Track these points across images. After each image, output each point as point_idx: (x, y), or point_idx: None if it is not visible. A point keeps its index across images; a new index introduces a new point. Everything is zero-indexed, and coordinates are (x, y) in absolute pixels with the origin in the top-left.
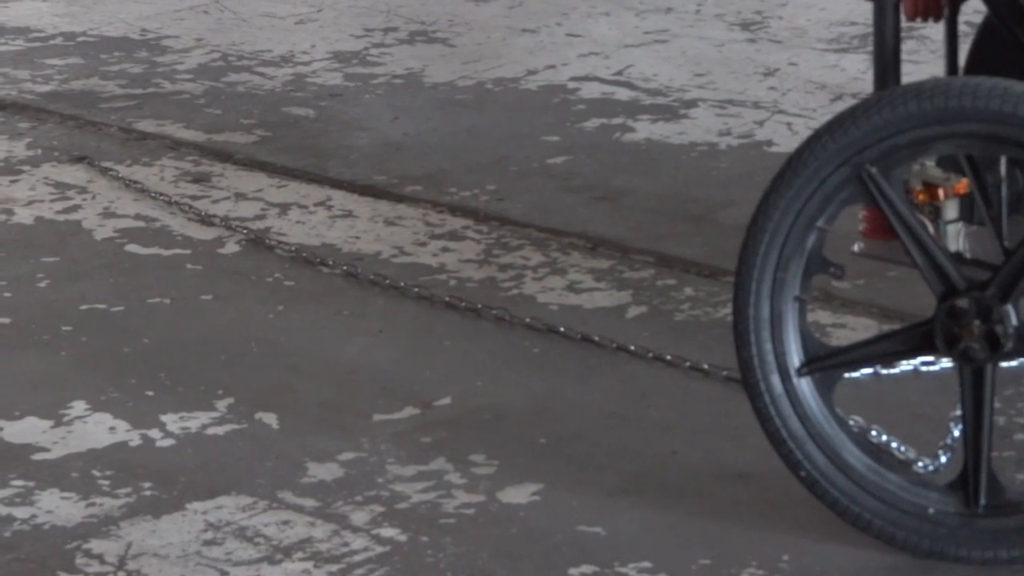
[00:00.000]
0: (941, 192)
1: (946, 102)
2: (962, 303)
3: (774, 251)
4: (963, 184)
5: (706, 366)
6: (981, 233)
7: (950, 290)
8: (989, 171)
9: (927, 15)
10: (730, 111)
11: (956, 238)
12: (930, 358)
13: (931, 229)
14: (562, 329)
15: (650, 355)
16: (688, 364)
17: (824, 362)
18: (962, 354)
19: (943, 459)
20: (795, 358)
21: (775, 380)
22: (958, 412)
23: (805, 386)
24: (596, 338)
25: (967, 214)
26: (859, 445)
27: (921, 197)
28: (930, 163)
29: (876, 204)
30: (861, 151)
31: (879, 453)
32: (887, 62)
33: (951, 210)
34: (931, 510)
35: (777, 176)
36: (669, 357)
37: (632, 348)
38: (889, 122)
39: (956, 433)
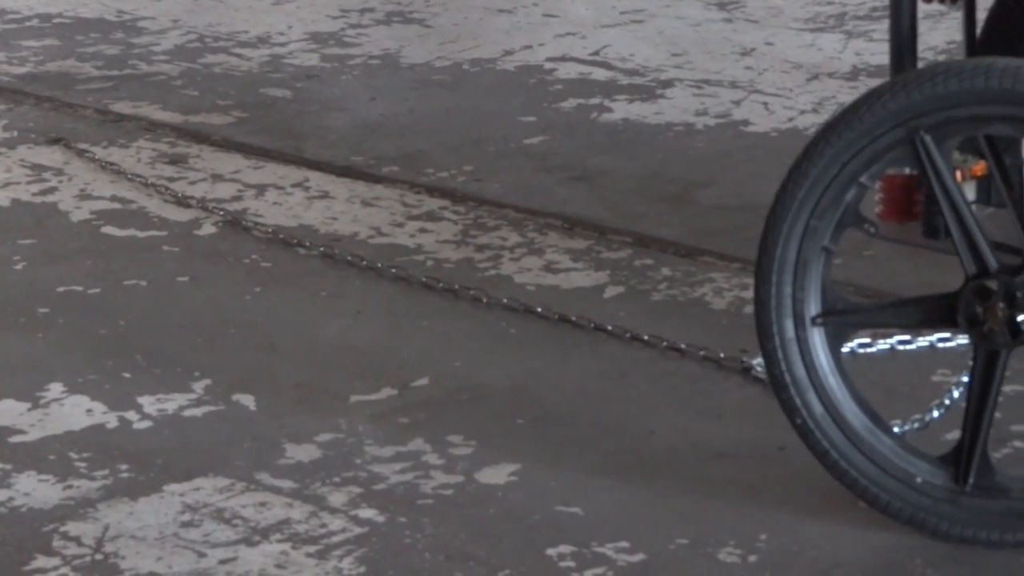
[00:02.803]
0: (959, 174)
1: (1014, 84)
2: (991, 284)
3: (812, 198)
4: (981, 166)
5: (684, 346)
6: (999, 215)
7: (982, 270)
8: (1007, 152)
9: None
10: (707, 91)
11: None
12: (946, 334)
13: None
14: (539, 309)
15: (628, 335)
16: (666, 344)
17: (840, 316)
18: (982, 335)
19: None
20: (813, 307)
21: (788, 325)
22: (963, 379)
23: (817, 336)
24: (574, 318)
25: (984, 196)
26: (859, 403)
27: None
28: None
29: (922, 171)
30: (919, 116)
31: (877, 415)
32: (903, 44)
33: (969, 192)
34: (919, 479)
35: (829, 125)
36: (647, 337)
37: (610, 328)
38: (953, 94)
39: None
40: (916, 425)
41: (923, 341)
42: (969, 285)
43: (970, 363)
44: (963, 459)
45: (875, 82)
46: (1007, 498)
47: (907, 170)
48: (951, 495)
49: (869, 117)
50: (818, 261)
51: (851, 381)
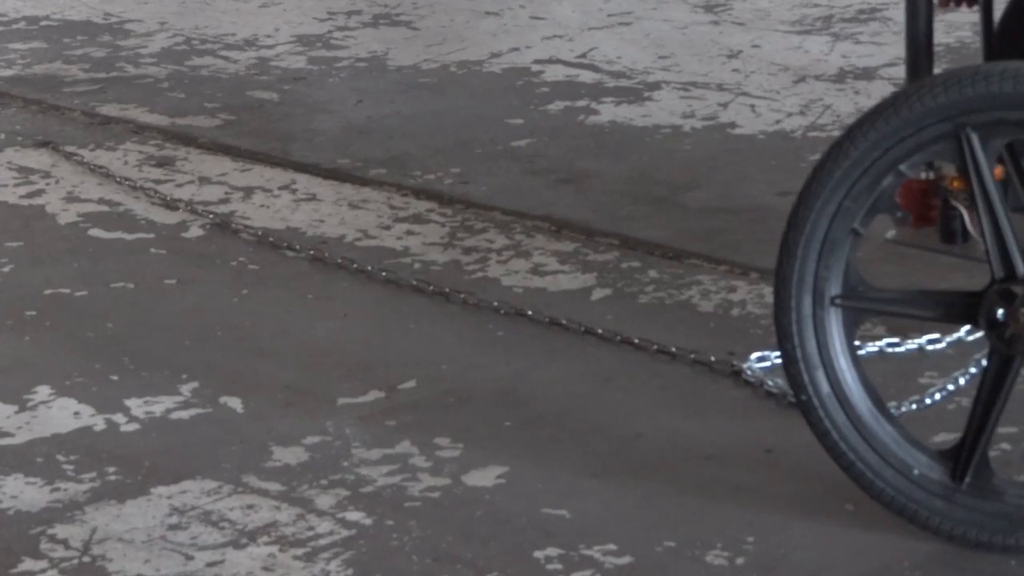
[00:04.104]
0: None
1: None
2: (1016, 289)
3: (849, 179)
4: (999, 171)
5: (672, 348)
6: (1017, 220)
7: (1009, 273)
8: None
9: (959, 2)
10: (694, 93)
11: None
12: (935, 335)
13: (967, 216)
14: (528, 312)
15: (617, 338)
16: (655, 347)
17: (861, 300)
18: (1000, 338)
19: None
20: (834, 287)
21: (807, 301)
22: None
23: (834, 316)
24: (561, 321)
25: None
26: (866, 388)
27: (956, 184)
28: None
29: (963, 168)
30: (968, 113)
31: (883, 403)
32: (919, 49)
33: None
34: (916, 471)
35: (876, 109)
36: (635, 340)
37: (598, 331)
38: (1006, 95)
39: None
40: (914, 407)
41: (912, 344)
42: (994, 287)
43: (978, 357)
44: (963, 457)
45: (862, 84)
46: (1001, 501)
47: (924, 175)
48: (946, 491)
49: (918, 107)
50: (845, 242)
51: (861, 365)
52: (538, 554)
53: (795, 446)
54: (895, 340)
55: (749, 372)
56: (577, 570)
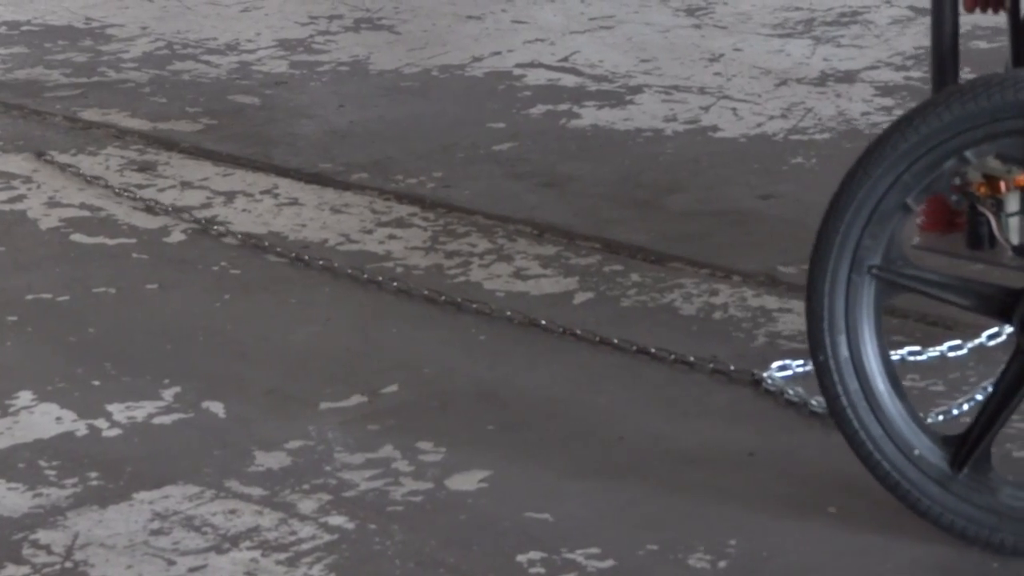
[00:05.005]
0: (1003, 184)
1: None
2: None
3: (915, 153)
4: (1021, 178)
5: (653, 350)
6: None
7: None
8: None
9: (986, 6)
10: (676, 97)
11: (1018, 231)
12: (956, 341)
13: (993, 222)
14: (508, 313)
15: (597, 339)
16: (635, 348)
17: (899, 274)
18: None
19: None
20: (875, 256)
21: (844, 268)
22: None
23: (867, 285)
24: (543, 324)
25: None
26: (884, 360)
27: (982, 190)
28: (990, 156)
29: None
30: None
31: (897, 377)
32: (945, 55)
33: (1013, 202)
34: (916, 452)
35: (953, 91)
36: (616, 342)
37: (579, 334)
38: None
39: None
40: (940, 418)
41: (934, 352)
42: None
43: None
44: (966, 447)
45: (843, 87)
46: (994, 497)
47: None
48: (942, 477)
49: (998, 98)
50: (894, 215)
51: (884, 338)
52: (521, 558)
53: (778, 449)
54: (916, 348)
55: (770, 381)
56: (560, 573)
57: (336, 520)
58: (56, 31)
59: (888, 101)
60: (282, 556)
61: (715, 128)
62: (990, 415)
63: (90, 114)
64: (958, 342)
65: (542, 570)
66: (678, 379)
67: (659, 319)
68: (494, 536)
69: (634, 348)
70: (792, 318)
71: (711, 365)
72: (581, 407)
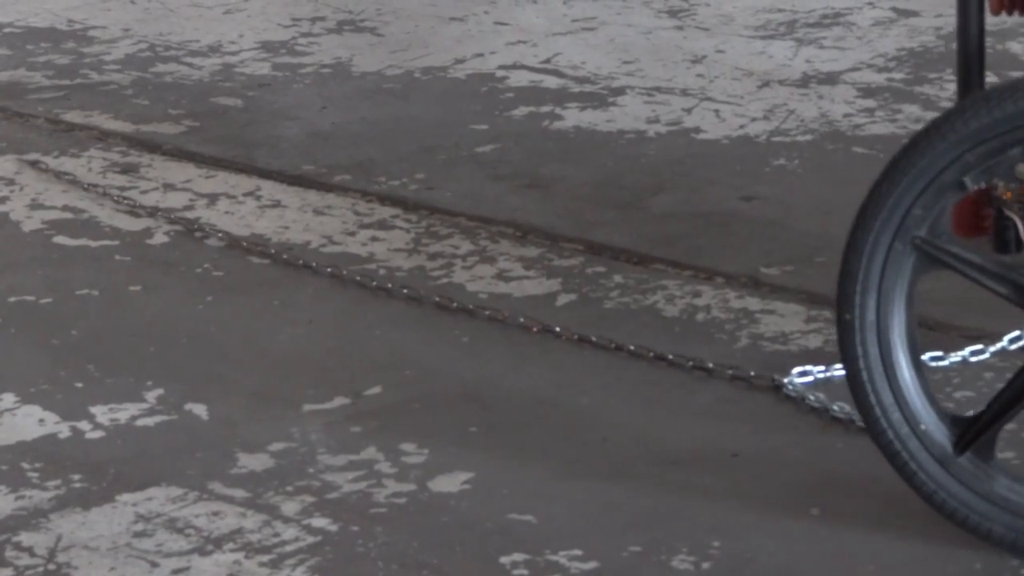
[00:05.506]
0: None
1: None
2: None
3: (980, 135)
4: None
5: (633, 347)
6: None
7: None
8: None
9: (1012, 8)
10: (658, 98)
11: None
12: (979, 346)
13: (1020, 226)
14: (488, 313)
15: (577, 338)
16: (614, 347)
17: (942, 250)
18: None
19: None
20: (921, 228)
21: (888, 233)
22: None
23: (908, 255)
24: (526, 326)
25: None
26: (909, 332)
27: (1009, 194)
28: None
29: None
30: None
31: (919, 350)
32: (971, 58)
33: None
34: (923, 426)
35: (1017, 85)
36: (598, 342)
37: (562, 336)
38: None
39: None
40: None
41: (956, 356)
42: None
43: None
44: (972, 431)
45: (826, 89)
46: (990, 486)
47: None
48: (943, 456)
49: None
50: (949, 191)
51: (913, 310)
52: (504, 559)
53: (761, 450)
54: (938, 353)
55: (791, 387)
56: (543, 575)
57: (319, 522)
58: (38, 33)
59: (870, 103)
60: (265, 558)
61: (698, 130)
62: (1004, 405)
63: (72, 116)
64: (980, 346)
65: (525, 572)
66: (662, 379)
67: (642, 320)
68: (477, 538)
69: (613, 346)
70: (775, 319)
71: (690, 363)
72: (564, 409)
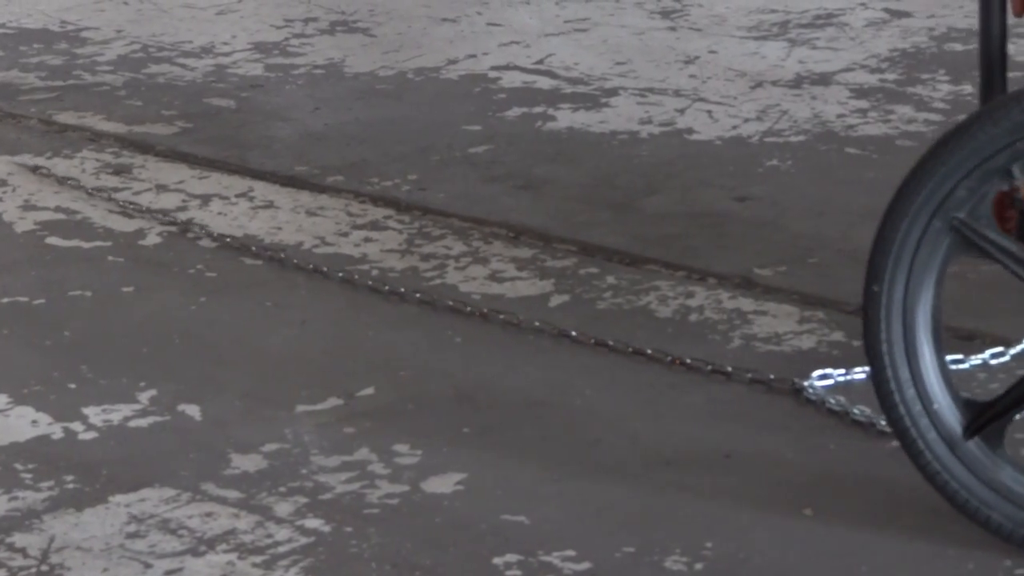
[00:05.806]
0: None
1: None
2: None
3: None
4: None
5: (630, 348)
6: None
7: None
8: None
9: None
10: (651, 99)
11: None
12: (999, 348)
13: None
14: (484, 311)
15: (571, 339)
16: (609, 348)
17: (979, 233)
18: None
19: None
20: (962, 210)
21: (928, 210)
22: None
23: (944, 235)
24: (520, 327)
25: None
26: (934, 314)
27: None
28: None
29: None
30: None
31: (941, 334)
32: (993, 61)
33: None
34: (935, 406)
35: None
36: (594, 343)
37: (556, 336)
38: None
39: None
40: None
41: (976, 360)
42: None
43: None
44: (985, 416)
45: (819, 90)
46: (995, 474)
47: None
48: (952, 439)
49: None
50: (995, 177)
51: (941, 293)
52: (497, 560)
53: (754, 451)
54: (959, 357)
55: (812, 391)
56: None
57: (312, 523)
58: (31, 34)
59: (863, 103)
60: (258, 559)
61: (690, 130)
62: (1019, 395)
63: (65, 117)
64: (1000, 349)
65: (518, 572)
66: (655, 380)
67: (635, 321)
68: (470, 538)
69: (608, 345)
70: (768, 320)
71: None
72: (557, 409)
